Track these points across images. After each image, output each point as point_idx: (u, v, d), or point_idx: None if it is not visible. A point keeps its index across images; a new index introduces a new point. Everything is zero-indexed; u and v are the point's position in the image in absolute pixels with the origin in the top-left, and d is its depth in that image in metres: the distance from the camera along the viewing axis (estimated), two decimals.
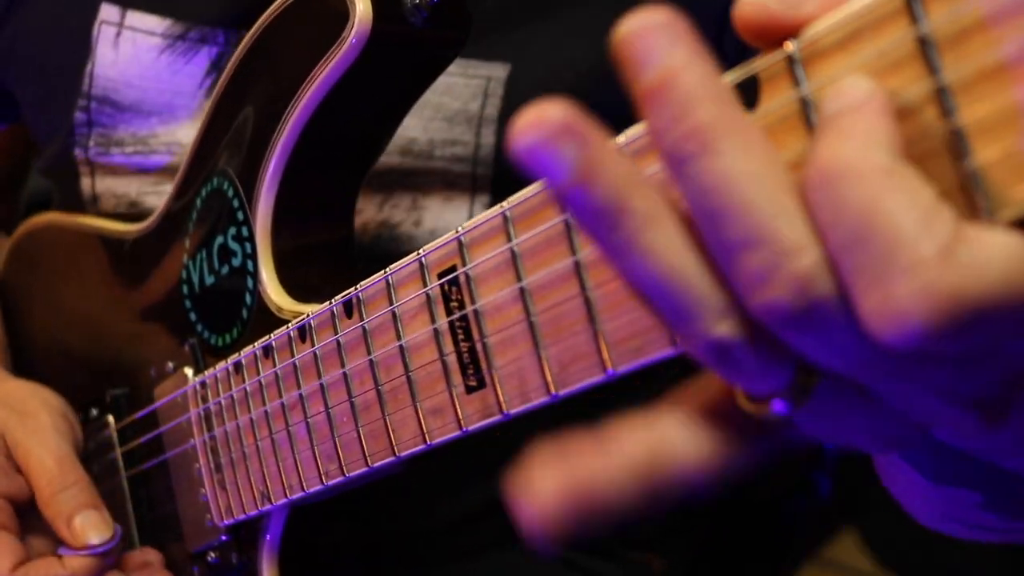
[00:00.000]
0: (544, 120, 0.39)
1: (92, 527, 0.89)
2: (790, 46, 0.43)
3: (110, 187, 1.06)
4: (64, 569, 0.89)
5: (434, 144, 0.91)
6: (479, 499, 0.95)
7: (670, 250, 0.40)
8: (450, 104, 0.90)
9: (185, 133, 1.01)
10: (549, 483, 0.42)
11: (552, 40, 0.90)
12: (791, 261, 0.38)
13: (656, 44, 0.39)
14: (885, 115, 0.39)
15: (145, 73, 1.01)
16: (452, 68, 0.88)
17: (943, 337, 0.35)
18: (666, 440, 0.43)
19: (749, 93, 0.45)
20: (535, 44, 0.90)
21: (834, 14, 0.41)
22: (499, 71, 0.90)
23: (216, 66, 0.98)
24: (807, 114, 0.42)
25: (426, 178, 0.93)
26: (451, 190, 0.92)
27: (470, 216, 0.92)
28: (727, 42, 0.85)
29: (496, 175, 0.91)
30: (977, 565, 0.79)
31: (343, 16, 0.72)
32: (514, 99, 0.90)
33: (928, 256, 0.35)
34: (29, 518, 0.93)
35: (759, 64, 0.44)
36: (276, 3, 0.79)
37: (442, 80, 0.88)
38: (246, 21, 0.92)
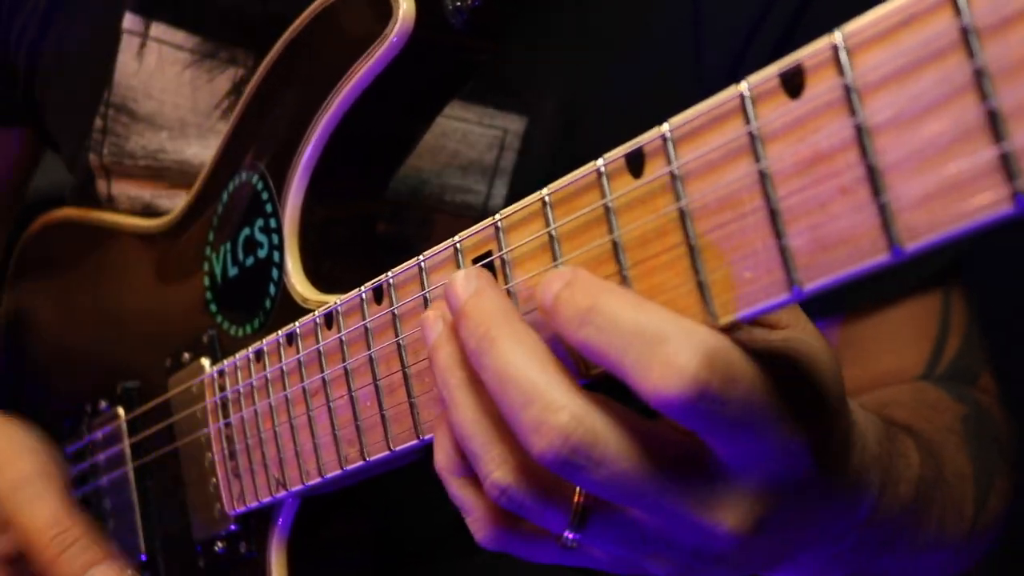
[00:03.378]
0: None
1: None
2: (836, 37, 0.45)
3: (124, 190, 1.08)
4: None
5: (445, 189, 0.93)
6: None
7: (465, 409, 0.56)
8: (466, 153, 0.92)
9: (194, 152, 1.02)
10: None
11: (565, 94, 0.92)
12: (553, 415, 0.51)
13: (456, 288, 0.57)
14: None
15: (166, 86, 1.02)
16: (469, 116, 0.91)
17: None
18: None
19: (794, 82, 0.47)
20: (549, 98, 0.92)
21: (880, 7, 0.44)
22: (515, 124, 0.92)
23: (237, 89, 1.00)
24: (851, 101, 0.45)
25: (433, 218, 0.95)
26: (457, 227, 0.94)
27: None
28: (751, 59, 0.88)
29: None
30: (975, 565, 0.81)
31: (386, 14, 0.74)
32: (530, 154, 0.92)
33: None
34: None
35: (804, 54, 0.47)
36: (316, 2, 0.81)
37: (458, 127, 0.91)
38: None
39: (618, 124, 0.90)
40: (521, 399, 0.52)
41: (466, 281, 0.57)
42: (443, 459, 0.60)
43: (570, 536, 0.56)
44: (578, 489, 0.55)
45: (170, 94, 1.02)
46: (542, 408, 0.51)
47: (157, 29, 1.02)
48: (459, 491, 0.60)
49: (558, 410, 0.51)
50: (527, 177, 0.92)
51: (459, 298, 0.56)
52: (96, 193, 1.10)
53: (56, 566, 0.87)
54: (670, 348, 0.47)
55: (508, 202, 0.91)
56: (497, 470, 0.55)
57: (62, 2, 1.10)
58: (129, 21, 1.03)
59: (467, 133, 0.92)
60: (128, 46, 1.03)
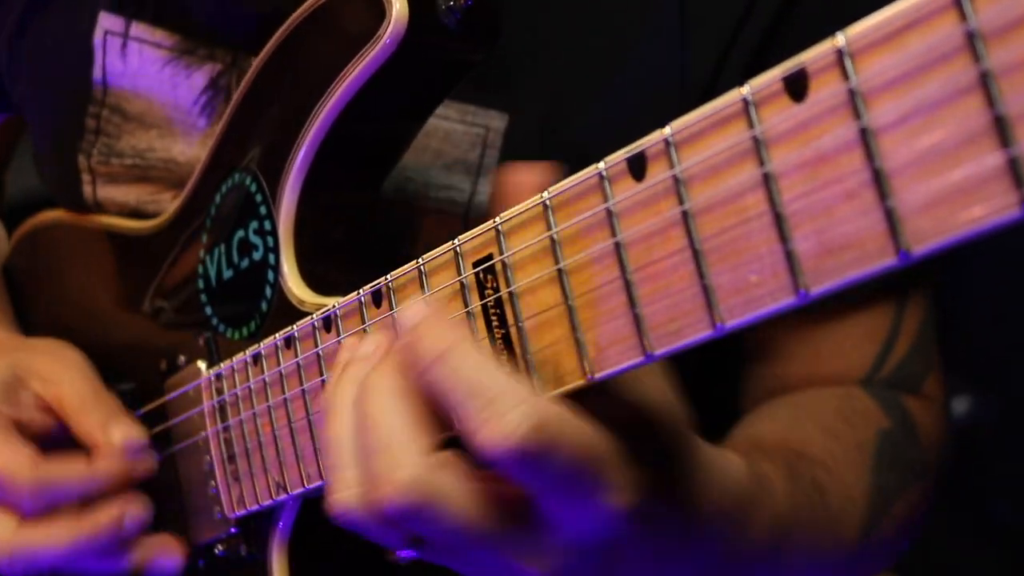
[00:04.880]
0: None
1: (126, 428, 0.93)
2: (840, 40, 0.45)
3: (111, 195, 1.07)
4: (86, 467, 0.91)
5: (429, 188, 0.92)
6: None
7: (343, 424, 0.61)
8: (450, 152, 0.92)
9: (180, 150, 1.02)
10: None
11: (548, 91, 0.92)
12: (398, 471, 0.56)
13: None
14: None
15: (151, 85, 1.02)
16: (451, 113, 0.91)
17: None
18: None
19: (797, 85, 0.47)
20: (532, 94, 0.91)
21: (883, 11, 0.44)
22: (497, 121, 0.91)
23: (215, 84, 0.99)
24: (856, 105, 0.45)
25: (417, 219, 0.95)
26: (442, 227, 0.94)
27: None
28: (734, 59, 0.88)
29: None
30: (976, 565, 0.81)
31: (379, 15, 0.74)
32: (512, 152, 0.92)
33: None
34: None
35: (808, 58, 0.47)
36: (307, 3, 0.81)
37: (442, 126, 0.91)
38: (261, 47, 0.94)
39: (601, 120, 0.90)
40: (375, 445, 0.57)
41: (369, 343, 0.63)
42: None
43: (403, 556, 0.62)
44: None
45: (154, 92, 1.02)
46: (389, 462, 0.56)
47: (137, 28, 1.02)
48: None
49: (401, 467, 0.56)
50: None
51: (404, 325, 0.59)
52: (82, 198, 1.09)
53: (86, 416, 0.94)
54: (501, 409, 0.53)
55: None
56: (344, 491, 0.59)
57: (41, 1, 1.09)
58: (108, 21, 1.02)
59: (449, 132, 0.91)
60: (112, 47, 1.03)
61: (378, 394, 0.59)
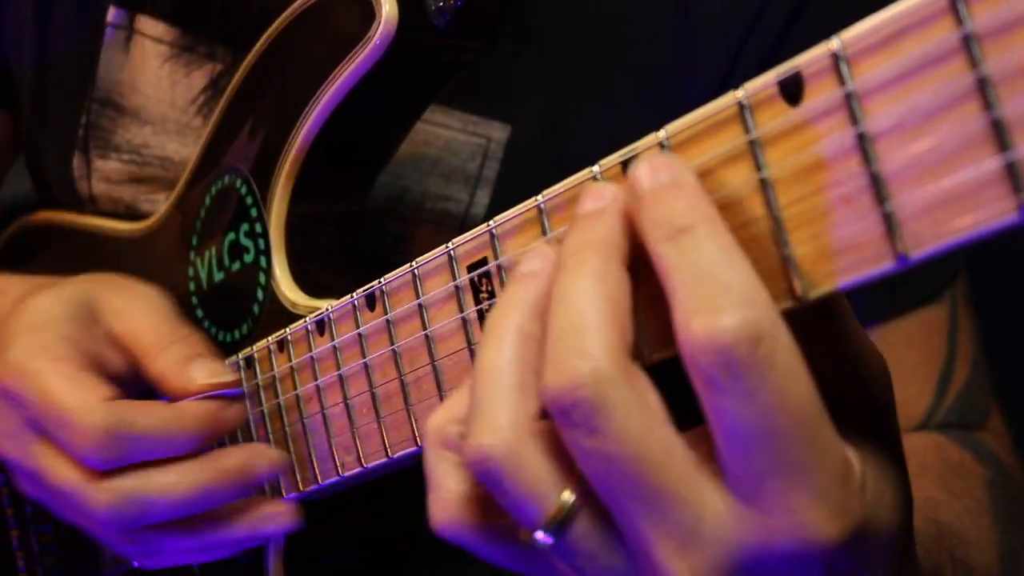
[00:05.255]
0: None
1: (212, 366, 0.78)
2: (835, 44, 0.45)
3: (106, 191, 1.06)
4: (171, 412, 0.75)
5: (426, 197, 0.92)
6: None
7: (504, 350, 0.51)
8: (449, 161, 0.91)
9: (174, 148, 1.01)
10: None
11: (550, 102, 0.91)
12: (578, 360, 0.46)
13: None
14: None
15: (148, 79, 1.01)
16: (453, 123, 0.90)
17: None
18: None
19: (793, 89, 0.47)
20: (534, 105, 0.91)
21: (878, 15, 0.44)
22: (499, 132, 0.90)
23: (214, 84, 0.99)
24: (852, 108, 0.45)
25: (412, 227, 0.94)
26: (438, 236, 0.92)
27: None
28: (743, 63, 0.87)
29: None
30: None
31: (369, 16, 0.73)
32: (513, 164, 0.91)
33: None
34: None
35: (803, 61, 0.46)
36: (296, 3, 0.80)
37: (442, 134, 0.90)
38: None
39: (603, 134, 0.89)
40: (566, 327, 0.47)
41: (597, 198, 0.50)
42: (440, 418, 0.54)
43: (543, 536, 0.49)
44: (569, 489, 0.49)
45: (152, 88, 1.01)
46: (573, 348, 0.46)
47: (141, 22, 1.01)
48: (436, 461, 0.53)
49: (587, 358, 0.46)
50: (510, 187, 0.91)
51: (584, 210, 0.50)
52: (78, 194, 1.08)
53: (162, 356, 0.79)
54: (724, 304, 0.44)
55: (490, 211, 0.91)
56: (490, 434, 0.49)
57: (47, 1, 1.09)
58: (114, 15, 1.02)
59: (450, 141, 0.90)
60: (115, 41, 1.02)
61: (582, 277, 0.48)
